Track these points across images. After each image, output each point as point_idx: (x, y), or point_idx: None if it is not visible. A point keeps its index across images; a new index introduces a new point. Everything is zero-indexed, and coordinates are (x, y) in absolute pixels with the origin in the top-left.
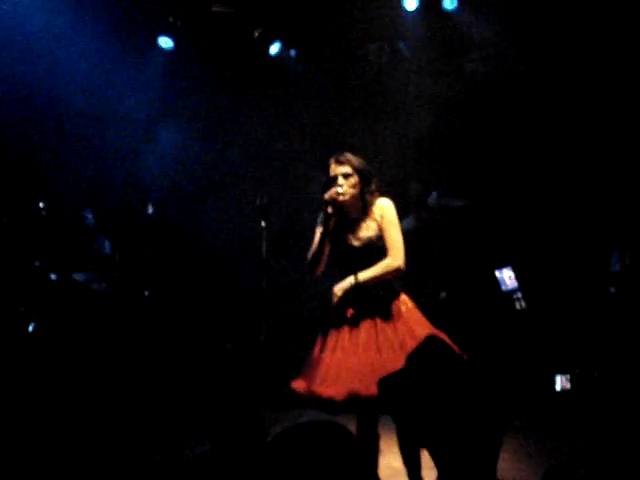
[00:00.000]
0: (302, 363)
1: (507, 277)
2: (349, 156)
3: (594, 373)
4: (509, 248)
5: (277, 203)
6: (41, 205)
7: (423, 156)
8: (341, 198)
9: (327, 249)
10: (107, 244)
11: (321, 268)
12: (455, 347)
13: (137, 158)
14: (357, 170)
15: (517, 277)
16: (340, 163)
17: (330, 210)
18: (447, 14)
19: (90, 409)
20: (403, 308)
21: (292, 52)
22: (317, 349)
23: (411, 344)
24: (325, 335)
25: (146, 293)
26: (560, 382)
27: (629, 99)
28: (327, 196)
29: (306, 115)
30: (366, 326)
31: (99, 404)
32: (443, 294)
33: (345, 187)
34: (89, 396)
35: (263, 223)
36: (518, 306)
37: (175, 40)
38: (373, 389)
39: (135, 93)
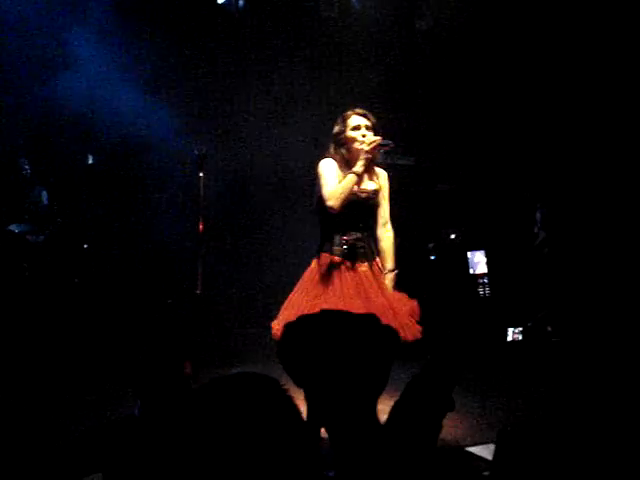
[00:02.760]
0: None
1: (477, 261)
2: (369, 112)
3: (547, 327)
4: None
5: (224, 156)
6: None
7: (371, 112)
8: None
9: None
10: (44, 195)
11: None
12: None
13: (77, 107)
14: (374, 127)
15: (487, 262)
16: (363, 115)
17: (370, 155)
18: None
19: (19, 361)
20: (377, 268)
21: (240, 3)
22: (299, 293)
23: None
24: (316, 282)
25: (85, 246)
26: (512, 334)
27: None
28: (372, 140)
29: (254, 66)
30: (353, 275)
31: (29, 357)
32: None
33: (371, 136)
34: (20, 346)
35: (201, 174)
36: (482, 292)
37: None
38: (401, 332)
39: (78, 40)
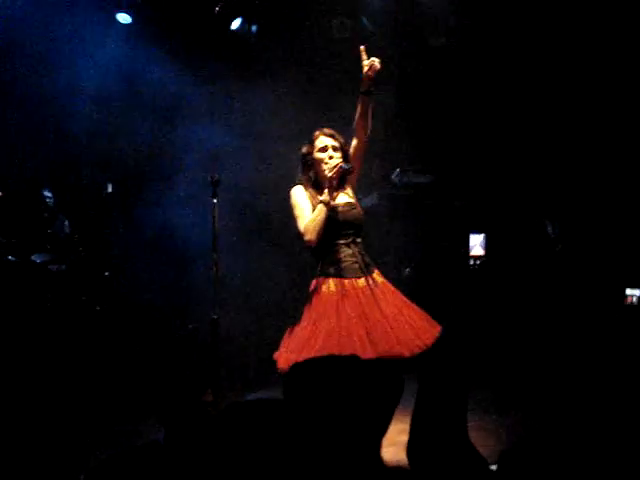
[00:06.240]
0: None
1: (477, 243)
2: (337, 133)
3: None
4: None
5: (239, 182)
6: None
7: (387, 133)
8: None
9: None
10: (66, 224)
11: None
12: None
13: (96, 137)
14: (342, 147)
15: (485, 246)
16: (331, 136)
17: (335, 179)
18: None
19: (44, 390)
20: (380, 280)
21: (253, 28)
22: (306, 322)
23: (407, 312)
24: (312, 307)
25: (106, 274)
26: None
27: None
28: (334, 165)
29: (269, 92)
30: (349, 295)
31: (53, 385)
32: (407, 270)
33: (337, 159)
34: (44, 377)
35: (215, 200)
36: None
37: (134, 16)
38: (398, 349)
39: (94, 70)
